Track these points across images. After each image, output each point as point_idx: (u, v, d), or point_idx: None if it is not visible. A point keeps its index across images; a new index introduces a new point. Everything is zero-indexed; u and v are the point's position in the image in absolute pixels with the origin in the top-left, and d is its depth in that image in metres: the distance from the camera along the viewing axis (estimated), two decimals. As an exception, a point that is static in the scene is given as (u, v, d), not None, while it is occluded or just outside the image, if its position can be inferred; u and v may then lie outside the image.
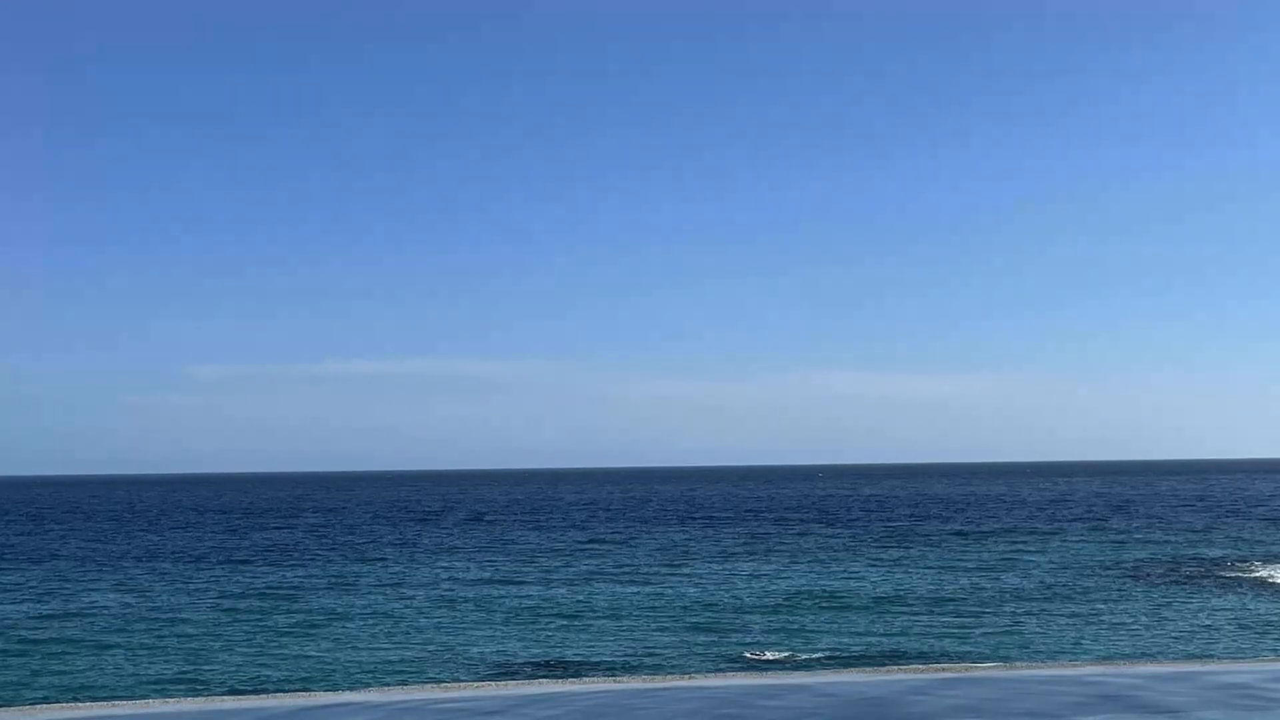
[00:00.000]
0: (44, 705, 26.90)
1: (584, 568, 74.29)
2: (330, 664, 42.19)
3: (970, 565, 72.72)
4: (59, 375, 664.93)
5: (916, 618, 51.08)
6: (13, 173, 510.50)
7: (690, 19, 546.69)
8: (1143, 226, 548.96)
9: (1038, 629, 47.83)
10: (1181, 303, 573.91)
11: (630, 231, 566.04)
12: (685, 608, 54.97)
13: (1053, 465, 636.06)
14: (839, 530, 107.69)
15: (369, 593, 62.35)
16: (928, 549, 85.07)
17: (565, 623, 51.17)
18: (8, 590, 65.63)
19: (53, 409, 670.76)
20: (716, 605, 55.68)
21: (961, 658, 40.10)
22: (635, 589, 62.43)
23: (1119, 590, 59.41)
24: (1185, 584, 61.63)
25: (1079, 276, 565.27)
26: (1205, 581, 62.35)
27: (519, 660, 42.43)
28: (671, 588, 62.74)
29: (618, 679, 28.90)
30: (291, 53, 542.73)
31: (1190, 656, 39.83)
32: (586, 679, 32.04)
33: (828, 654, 42.62)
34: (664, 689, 23.12)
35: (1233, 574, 65.77)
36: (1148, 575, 65.85)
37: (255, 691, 34.82)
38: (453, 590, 63.13)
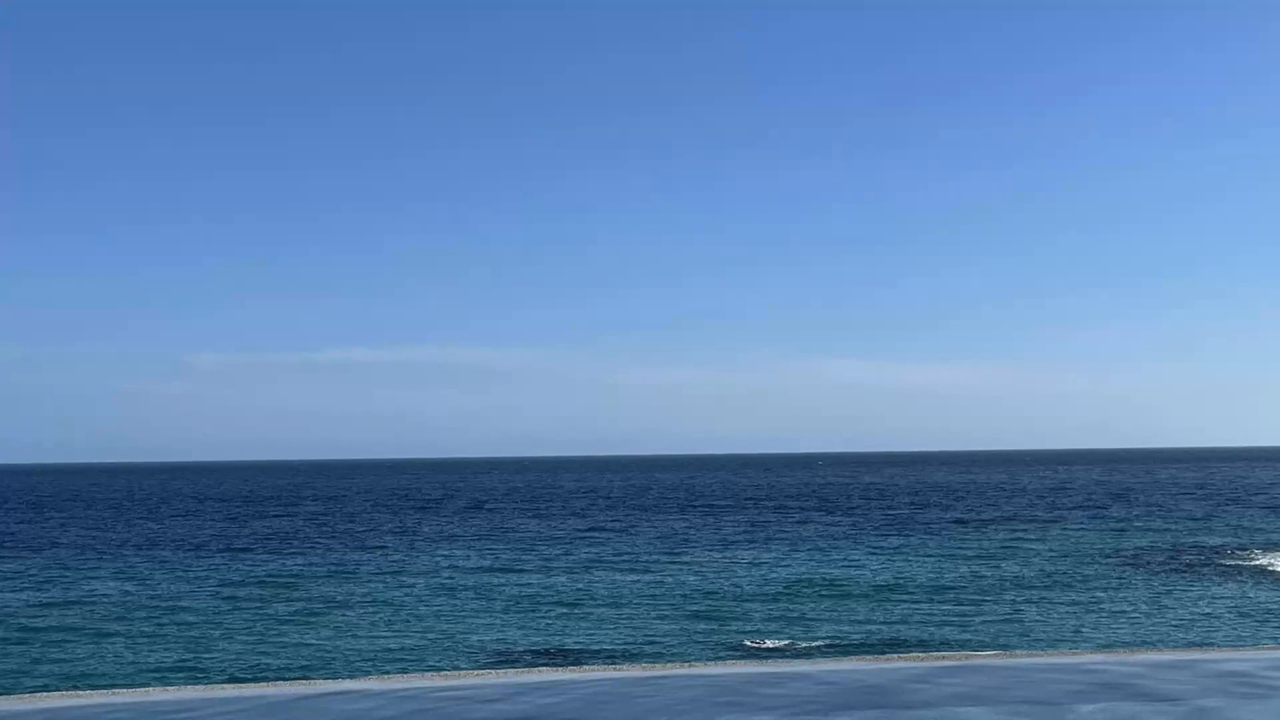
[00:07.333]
0: (44, 693, 26.85)
1: (584, 556, 74.30)
2: (330, 652, 42.19)
3: (970, 553, 72.72)
4: (59, 364, 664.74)
5: (917, 606, 51.08)
6: (11, 164, 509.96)
7: (691, 11, 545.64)
8: (1143, 216, 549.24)
9: (1038, 617, 47.83)
10: (1181, 291, 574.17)
11: (630, 220, 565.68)
12: (685, 596, 54.97)
13: (1053, 453, 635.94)
14: (839, 518, 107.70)
15: (369, 581, 62.35)
16: (928, 537, 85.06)
17: (565, 611, 51.17)
18: (8, 578, 65.63)
19: (53, 397, 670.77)
20: (716, 593, 55.68)
21: (962, 646, 40.09)
22: (635, 577, 62.43)
23: (1119, 578, 59.40)
24: (1185, 572, 61.62)
25: (1079, 265, 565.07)
26: (1205, 569, 62.34)
27: (519, 648, 42.42)
28: (671, 576, 62.75)
29: (618, 667, 28.89)
30: (290, 43, 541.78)
31: (1190, 644, 39.81)
32: (587, 667, 32.04)
33: (828, 642, 42.62)
34: (664, 677, 23.09)
35: (1233, 562, 65.76)
36: (1148, 563, 65.84)
37: (255, 680, 34.81)
38: (453, 578, 63.13)
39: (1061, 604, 51.08)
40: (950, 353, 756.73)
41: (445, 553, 77.78)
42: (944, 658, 26.30)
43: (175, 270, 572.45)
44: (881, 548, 77.24)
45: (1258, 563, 64.96)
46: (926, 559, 69.67)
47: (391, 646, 43.14)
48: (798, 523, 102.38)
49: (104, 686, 33.56)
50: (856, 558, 71.06)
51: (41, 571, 69.17)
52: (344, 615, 50.57)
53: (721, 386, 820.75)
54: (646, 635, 44.72)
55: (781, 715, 18.69)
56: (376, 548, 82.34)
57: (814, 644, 42.15)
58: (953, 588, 56.61)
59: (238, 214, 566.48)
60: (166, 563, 73.53)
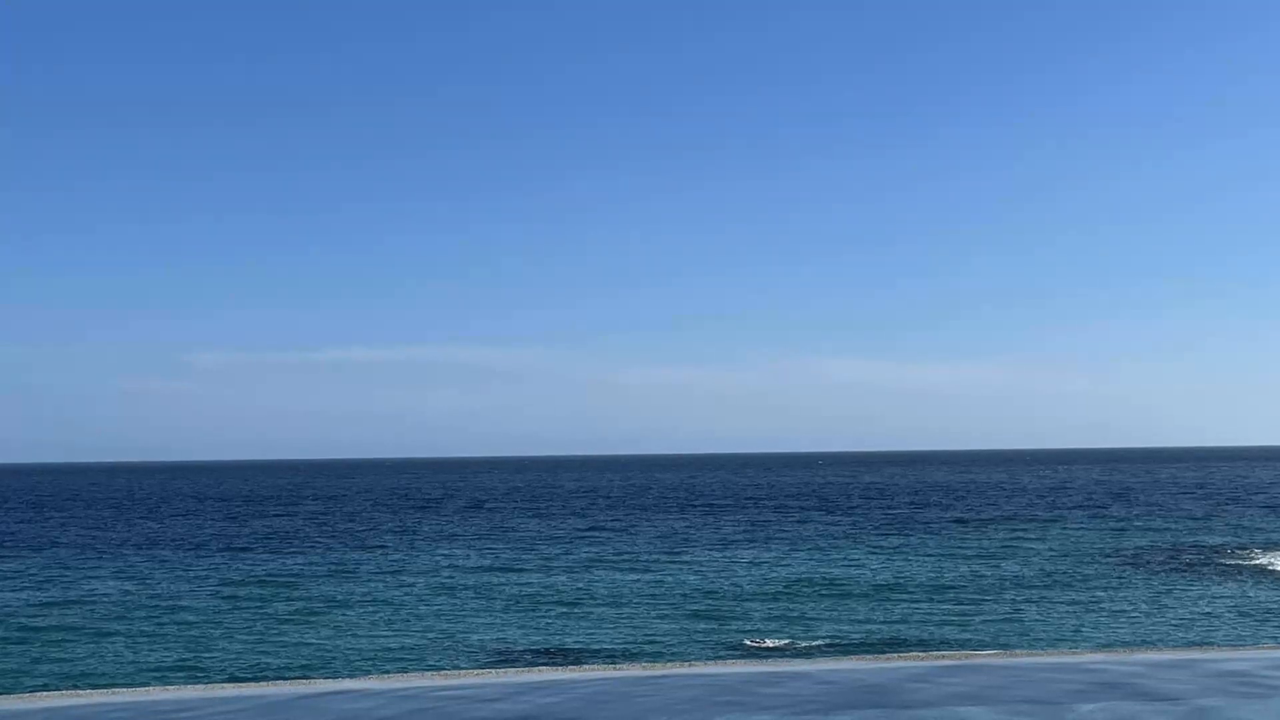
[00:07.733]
0: (44, 693, 26.84)
1: (584, 555, 74.29)
2: (330, 651, 42.19)
3: (970, 553, 72.71)
4: (59, 363, 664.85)
5: (916, 605, 51.08)
6: (11, 164, 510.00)
7: (691, 11, 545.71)
8: (1143, 216, 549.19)
9: (1038, 616, 47.83)
10: (1181, 291, 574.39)
11: (630, 220, 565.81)
12: (685, 595, 54.97)
13: (1053, 453, 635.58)
14: (839, 518, 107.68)
15: (369, 580, 62.36)
16: (928, 536, 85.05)
17: (565, 610, 51.18)
18: (8, 578, 65.62)
19: (53, 397, 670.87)
20: (716, 593, 55.68)
21: (962, 645, 40.09)
22: (635, 577, 62.43)
23: (1119, 578, 59.39)
24: (1185, 571, 61.61)
25: (1079, 265, 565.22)
26: (1205, 569, 62.33)
27: (519, 648, 42.42)
28: (671, 575, 62.74)
29: (618, 666, 28.87)
30: (290, 43, 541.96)
31: (1190, 644, 39.81)
32: (586, 666, 32.03)
33: (828, 641, 42.61)
34: (664, 676, 23.08)
35: (1233, 561, 65.75)
36: (1148, 563, 65.82)
37: (255, 679, 34.81)
38: (453, 578, 63.13)
39: (1061, 604, 51.07)
40: (950, 353, 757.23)
41: (445, 552, 77.77)
42: (944, 657, 26.29)
43: (175, 270, 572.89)
44: (881, 547, 77.23)
45: (1258, 562, 64.95)
46: (926, 559, 69.66)
47: (391, 646, 43.13)
48: (798, 522, 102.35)
49: (104, 686, 33.57)
50: (856, 557, 71.05)
51: (41, 571, 69.15)
52: (344, 615, 50.57)
53: (721, 386, 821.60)
54: (646, 635, 44.72)
55: (781, 715, 18.68)
56: (376, 547, 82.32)
57: (814, 643, 42.14)
58: (953, 587, 56.61)
59: (238, 214, 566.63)
60: (166, 562, 73.52)
